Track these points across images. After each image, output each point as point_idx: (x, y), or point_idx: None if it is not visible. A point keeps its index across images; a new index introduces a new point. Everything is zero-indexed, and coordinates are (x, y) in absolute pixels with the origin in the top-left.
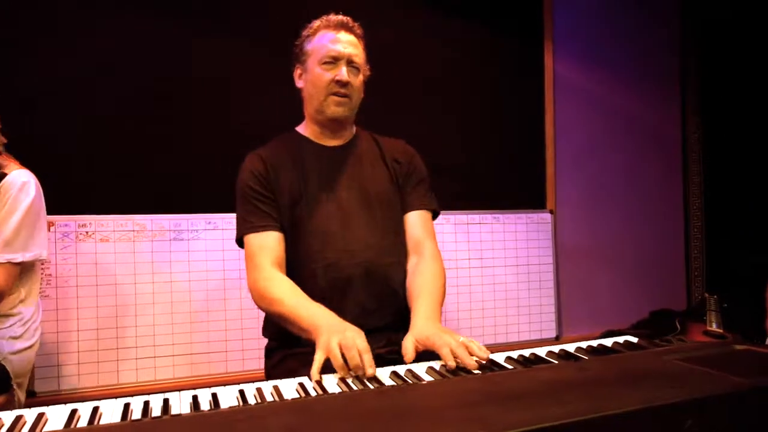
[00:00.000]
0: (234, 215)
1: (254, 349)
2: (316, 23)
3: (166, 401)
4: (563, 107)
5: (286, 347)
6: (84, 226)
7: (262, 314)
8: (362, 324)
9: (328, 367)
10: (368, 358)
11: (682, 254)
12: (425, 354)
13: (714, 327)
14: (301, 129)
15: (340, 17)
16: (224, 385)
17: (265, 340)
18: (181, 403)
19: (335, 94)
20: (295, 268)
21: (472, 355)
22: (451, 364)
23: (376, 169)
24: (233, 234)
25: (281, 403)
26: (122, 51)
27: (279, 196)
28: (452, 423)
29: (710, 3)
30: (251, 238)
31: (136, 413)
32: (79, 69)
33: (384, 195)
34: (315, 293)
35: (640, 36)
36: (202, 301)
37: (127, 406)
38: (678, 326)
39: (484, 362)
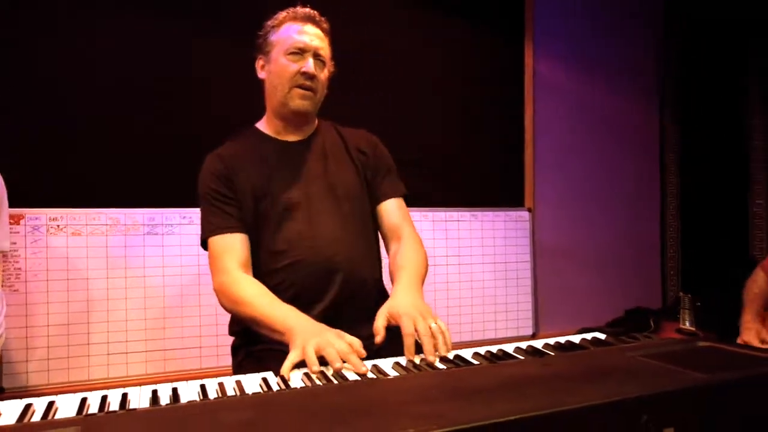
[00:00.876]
0: None
1: (228, 345)
2: (282, 14)
3: (124, 396)
4: (543, 107)
5: (250, 344)
6: (55, 219)
7: None
8: (332, 321)
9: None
10: (354, 359)
11: (658, 254)
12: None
13: (687, 325)
14: (261, 125)
15: (307, 10)
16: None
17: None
18: (140, 398)
19: (300, 86)
20: (261, 267)
21: (436, 349)
22: (410, 357)
23: (341, 163)
24: None
25: (241, 398)
26: (95, 44)
27: (241, 196)
28: (410, 418)
29: (693, 5)
30: (215, 241)
31: (93, 408)
32: (52, 63)
33: (350, 189)
34: (282, 292)
35: (620, 37)
36: (176, 296)
37: (83, 400)
38: (652, 324)
39: (447, 357)
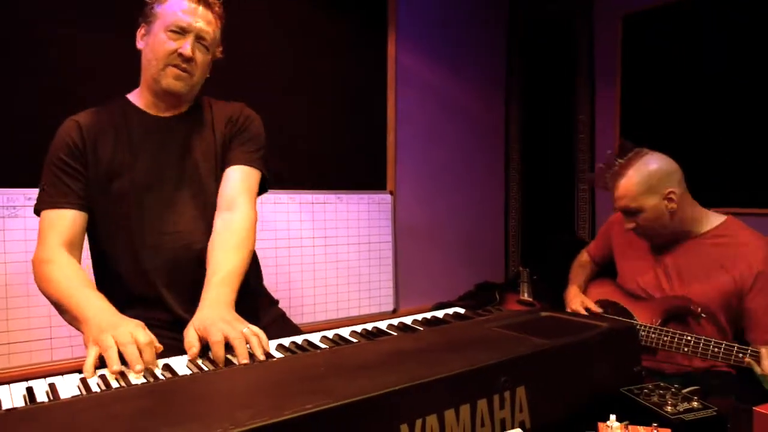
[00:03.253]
0: None
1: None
2: None
3: None
4: (404, 95)
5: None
6: None
7: None
8: (192, 310)
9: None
10: (149, 353)
11: (503, 233)
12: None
13: (526, 296)
14: (133, 97)
15: None
16: (54, 374)
17: None
18: (12, 396)
19: (175, 66)
20: (117, 252)
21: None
22: (221, 362)
23: (207, 140)
24: None
25: (128, 390)
26: None
27: (94, 170)
28: (303, 395)
29: (531, 6)
30: (46, 214)
31: None
32: None
33: (215, 170)
34: (139, 278)
35: (473, 32)
36: (21, 285)
37: None
38: (497, 297)
39: (328, 336)
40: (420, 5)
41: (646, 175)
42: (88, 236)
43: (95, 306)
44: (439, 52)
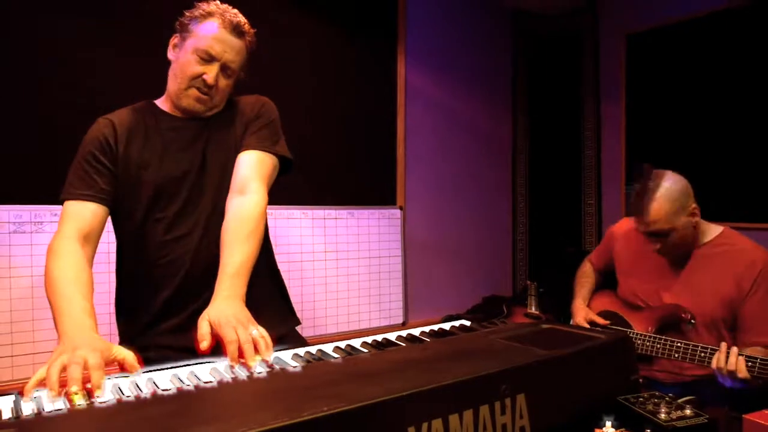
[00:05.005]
0: None
1: None
2: (213, 8)
3: (36, 399)
4: (413, 112)
5: (127, 341)
6: None
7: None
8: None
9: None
10: (96, 377)
11: (510, 247)
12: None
13: (533, 309)
14: (160, 102)
15: (238, 19)
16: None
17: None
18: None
19: (198, 88)
20: (141, 250)
21: (257, 352)
22: (234, 363)
23: (232, 138)
24: None
25: (156, 394)
26: None
27: (124, 169)
28: (317, 399)
29: (536, 24)
30: (68, 205)
31: (6, 412)
32: None
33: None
34: (161, 277)
35: (480, 50)
36: (25, 299)
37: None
38: (505, 310)
39: (340, 347)
40: (428, 25)
41: (675, 195)
42: (115, 234)
43: (74, 324)
44: (447, 69)
